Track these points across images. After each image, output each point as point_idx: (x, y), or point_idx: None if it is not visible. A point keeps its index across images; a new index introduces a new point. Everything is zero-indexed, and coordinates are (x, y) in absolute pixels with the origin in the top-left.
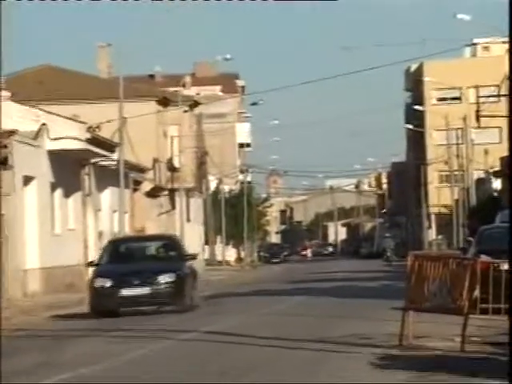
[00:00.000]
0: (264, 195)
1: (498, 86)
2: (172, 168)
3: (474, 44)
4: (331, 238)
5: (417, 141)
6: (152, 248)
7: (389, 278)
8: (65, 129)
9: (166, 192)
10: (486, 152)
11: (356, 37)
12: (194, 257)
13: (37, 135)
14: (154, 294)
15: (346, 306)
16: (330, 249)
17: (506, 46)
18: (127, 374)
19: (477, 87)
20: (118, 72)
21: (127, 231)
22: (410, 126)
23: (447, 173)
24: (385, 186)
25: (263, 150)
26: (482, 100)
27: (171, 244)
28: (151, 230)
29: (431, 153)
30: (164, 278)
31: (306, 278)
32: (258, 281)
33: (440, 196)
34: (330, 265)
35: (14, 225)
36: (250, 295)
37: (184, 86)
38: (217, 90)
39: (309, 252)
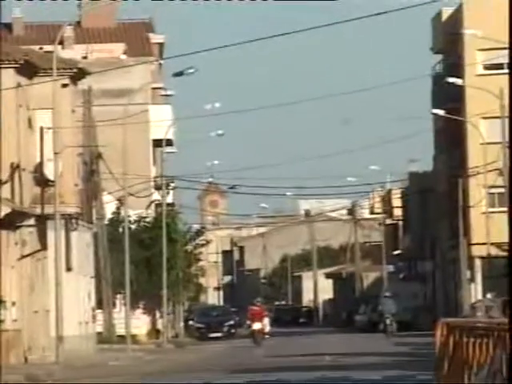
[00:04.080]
0: (196, 226)
1: None
2: (42, 181)
3: None
4: (307, 298)
5: (452, 137)
6: None
7: (401, 364)
8: None
9: (32, 221)
10: None
11: None
12: None
13: None
14: None
15: None
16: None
17: None
18: None
19: None
20: None
21: None
22: (441, 112)
23: (502, 190)
24: (398, 212)
25: (195, 152)
26: None
27: None
28: (6, 283)
29: (475, 156)
30: None
31: (265, 365)
32: (185, 368)
33: (490, 228)
34: (305, 342)
35: None
36: None
37: (62, 43)
38: (117, 50)
39: (266, 324)
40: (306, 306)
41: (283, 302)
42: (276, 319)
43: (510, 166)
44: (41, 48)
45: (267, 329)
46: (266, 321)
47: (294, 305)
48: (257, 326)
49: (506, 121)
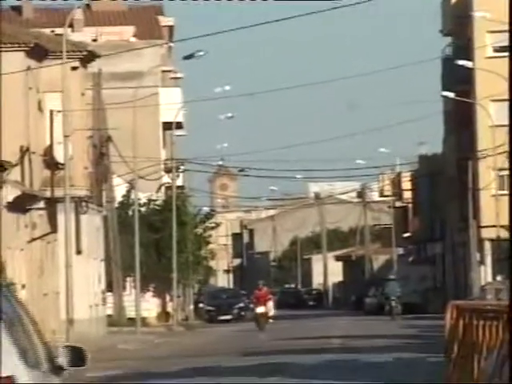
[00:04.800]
0: (206, 209)
1: None
2: (52, 164)
3: None
4: (317, 280)
5: (461, 119)
6: None
7: (411, 347)
8: None
9: (42, 204)
10: None
11: None
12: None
13: None
14: None
15: None
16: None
17: None
18: None
19: None
20: None
21: None
22: (451, 95)
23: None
24: (407, 195)
25: (205, 135)
26: None
27: None
28: (16, 266)
29: (484, 139)
30: None
31: (275, 348)
32: (196, 351)
33: (500, 211)
34: (314, 325)
35: None
36: (178, 376)
37: (72, 26)
38: (127, 33)
39: (270, 307)
40: (315, 289)
41: (292, 285)
42: (280, 303)
43: (510, 149)
44: (52, 31)
45: (271, 312)
46: (270, 304)
47: (297, 288)
48: (260, 309)
49: None
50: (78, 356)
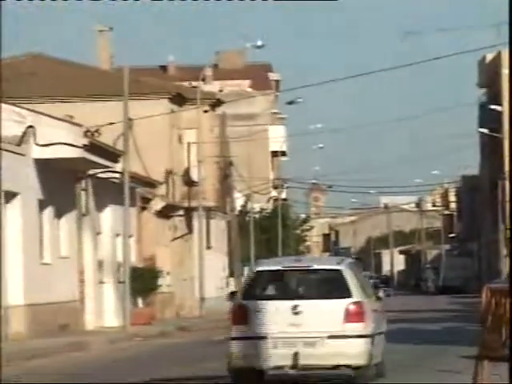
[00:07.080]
0: (303, 215)
1: None
2: (189, 182)
3: None
4: (386, 268)
5: (493, 149)
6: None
7: (455, 318)
8: (56, 133)
9: (182, 212)
10: None
11: (415, 22)
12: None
13: (21, 140)
14: None
15: (402, 353)
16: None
17: None
18: None
19: None
20: (122, 62)
21: (133, 260)
22: (485, 131)
23: None
24: (453, 205)
25: (302, 160)
26: None
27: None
28: (163, 258)
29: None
30: None
31: None
32: None
33: None
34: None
35: None
36: None
37: (204, 80)
38: (245, 85)
39: None
40: (384, 275)
41: (367, 273)
42: None
43: (510, 161)
44: (190, 83)
45: None
46: None
47: (383, 275)
48: None
49: None
50: (388, 292)
